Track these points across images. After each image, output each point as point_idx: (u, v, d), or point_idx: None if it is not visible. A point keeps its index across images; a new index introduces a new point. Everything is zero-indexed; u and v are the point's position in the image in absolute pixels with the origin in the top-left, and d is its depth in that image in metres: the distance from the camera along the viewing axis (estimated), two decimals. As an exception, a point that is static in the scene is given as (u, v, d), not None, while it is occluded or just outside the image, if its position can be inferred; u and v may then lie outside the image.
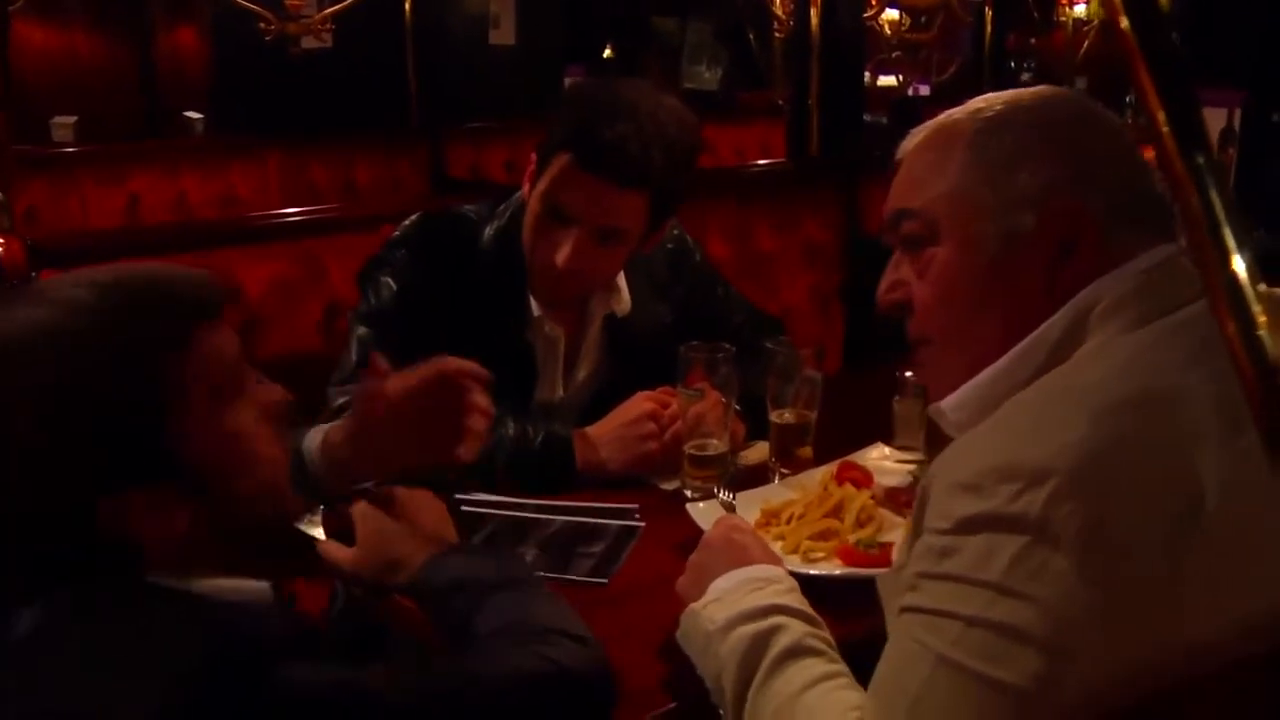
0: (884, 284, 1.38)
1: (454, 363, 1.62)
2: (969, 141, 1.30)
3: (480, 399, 1.63)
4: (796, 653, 1.28)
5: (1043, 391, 1.17)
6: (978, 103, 1.34)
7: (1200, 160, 0.77)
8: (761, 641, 1.29)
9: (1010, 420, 1.16)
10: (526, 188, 2.13)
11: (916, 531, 1.18)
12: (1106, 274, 1.22)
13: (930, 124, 1.36)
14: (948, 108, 1.40)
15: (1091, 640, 1.03)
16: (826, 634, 1.33)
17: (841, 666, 1.28)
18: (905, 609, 1.15)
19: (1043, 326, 1.23)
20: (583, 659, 1.26)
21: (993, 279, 1.27)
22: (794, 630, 1.30)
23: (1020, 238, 1.24)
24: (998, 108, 1.32)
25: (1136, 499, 1.04)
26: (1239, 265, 0.76)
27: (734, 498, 1.85)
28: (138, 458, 1.10)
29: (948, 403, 1.32)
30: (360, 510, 1.48)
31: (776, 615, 1.32)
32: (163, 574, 1.14)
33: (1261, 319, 0.76)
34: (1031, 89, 1.34)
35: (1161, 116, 0.77)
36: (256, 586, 1.23)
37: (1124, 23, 0.77)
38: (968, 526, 1.08)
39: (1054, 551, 1.03)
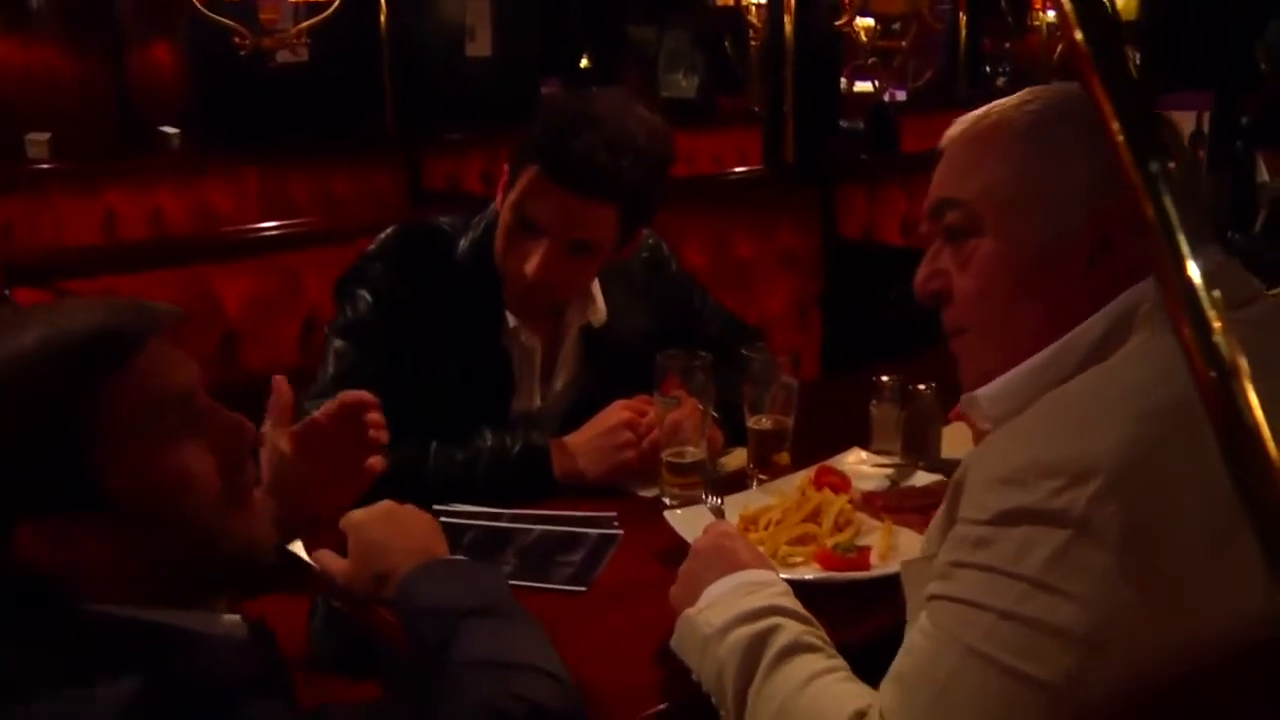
0: (922, 273, 1.37)
1: (348, 394, 1.65)
2: (1019, 134, 1.29)
3: (375, 415, 1.67)
4: (796, 649, 1.29)
5: (1085, 388, 1.17)
6: (1025, 95, 1.33)
7: (1154, 168, 0.78)
8: (760, 640, 1.30)
9: (1052, 415, 1.16)
10: (500, 198, 2.14)
11: (949, 521, 1.18)
12: (1150, 275, 1.19)
13: (976, 114, 1.35)
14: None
15: (1126, 638, 1.04)
16: (822, 633, 1.34)
17: (841, 661, 1.29)
18: (934, 597, 1.15)
19: (1086, 323, 1.22)
20: (556, 697, 1.25)
21: (1035, 273, 1.26)
22: (792, 629, 1.31)
23: (1065, 233, 1.25)
24: (1047, 100, 1.31)
25: (1179, 500, 1.05)
26: (1193, 271, 0.78)
27: (722, 503, 1.86)
28: (47, 488, 1.08)
29: (984, 393, 1.32)
30: (350, 522, 1.48)
31: (773, 616, 1.33)
32: (111, 603, 1.12)
33: (1217, 324, 0.77)
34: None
35: (1116, 126, 0.79)
36: (229, 620, 1.21)
37: (1078, 35, 0.79)
38: (1006, 519, 1.09)
39: (1096, 549, 1.04)
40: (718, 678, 1.32)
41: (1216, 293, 0.77)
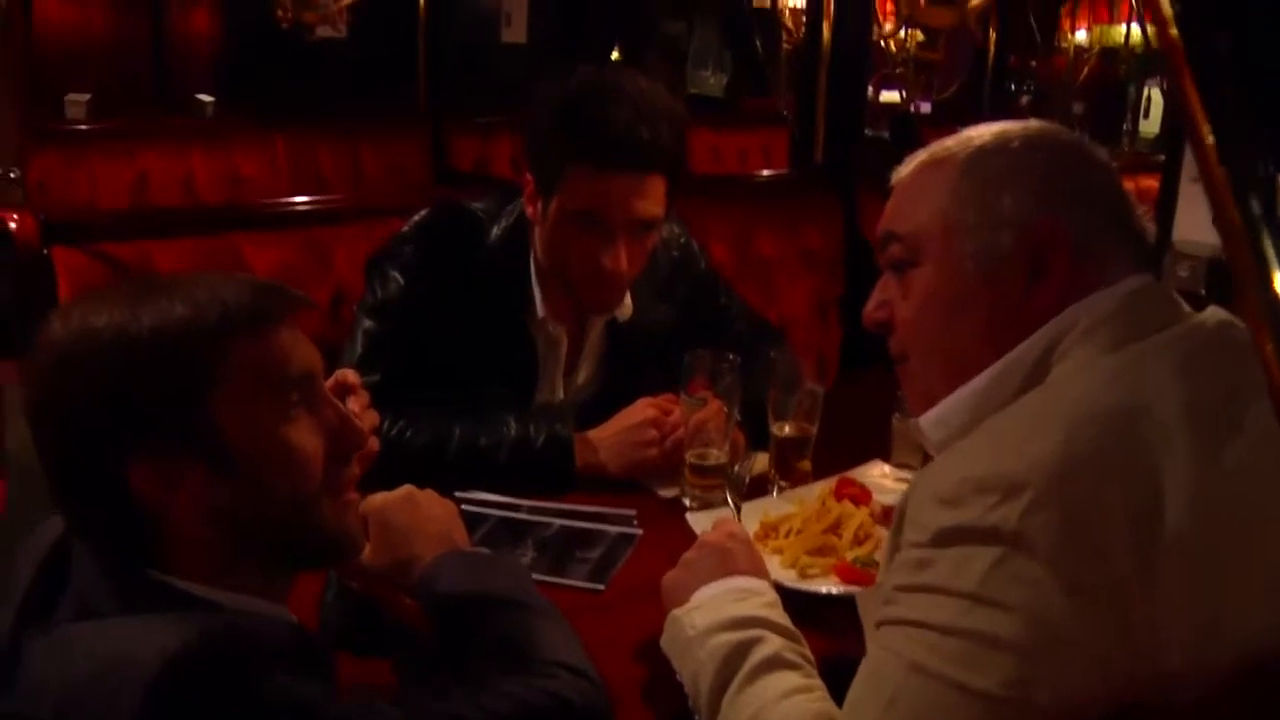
0: (870, 303, 1.42)
1: (338, 373, 1.63)
2: (958, 167, 1.33)
3: (353, 401, 1.63)
4: (775, 664, 1.31)
5: (1020, 409, 1.20)
6: (969, 132, 1.37)
7: (1243, 170, 0.75)
8: (741, 650, 1.32)
9: (988, 435, 1.19)
10: (532, 208, 2.13)
11: (894, 547, 1.20)
12: (1084, 298, 1.25)
13: (924, 151, 1.39)
14: (947, 124, 1.43)
15: (1066, 647, 1.05)
16: (806, 650, 1.36)
17: (818, 682, 1.31)
18: (882, 622, 1.17)
19: (1020, 347, 1.25)
20: (583, 694, 1.25)
21: (969, 295, 1.29)
22: (773, 643, 1.33)
23: (997, 257, 1.27)
24: (987, 137, 1.35)
25: (1106, 509, 1.06)
26: (1280, 284, 0.73)
27: (740, 506, 1.85)
28: (170, 426, 1.13)
29: (926, 419, 1.35)
30: (370, 506, 1.49)
31: (757, 628, 1.35)
32: (191, 561, 1.17)
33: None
34: (1024, 121, 1.37)
35: (1206, 129, 0.77)
36: (279, 611, 1.25)
37: (1173, 32, 0.77)
38: (944, 538, 1.11)
39: (1029, 560, 1.05)
40: (694, 679, 1.35)
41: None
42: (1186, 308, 1.28)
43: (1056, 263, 1.26)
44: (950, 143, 1.37)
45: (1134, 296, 1.24)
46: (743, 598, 1.41)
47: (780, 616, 1.39)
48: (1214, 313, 1.27)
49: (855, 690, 1.17)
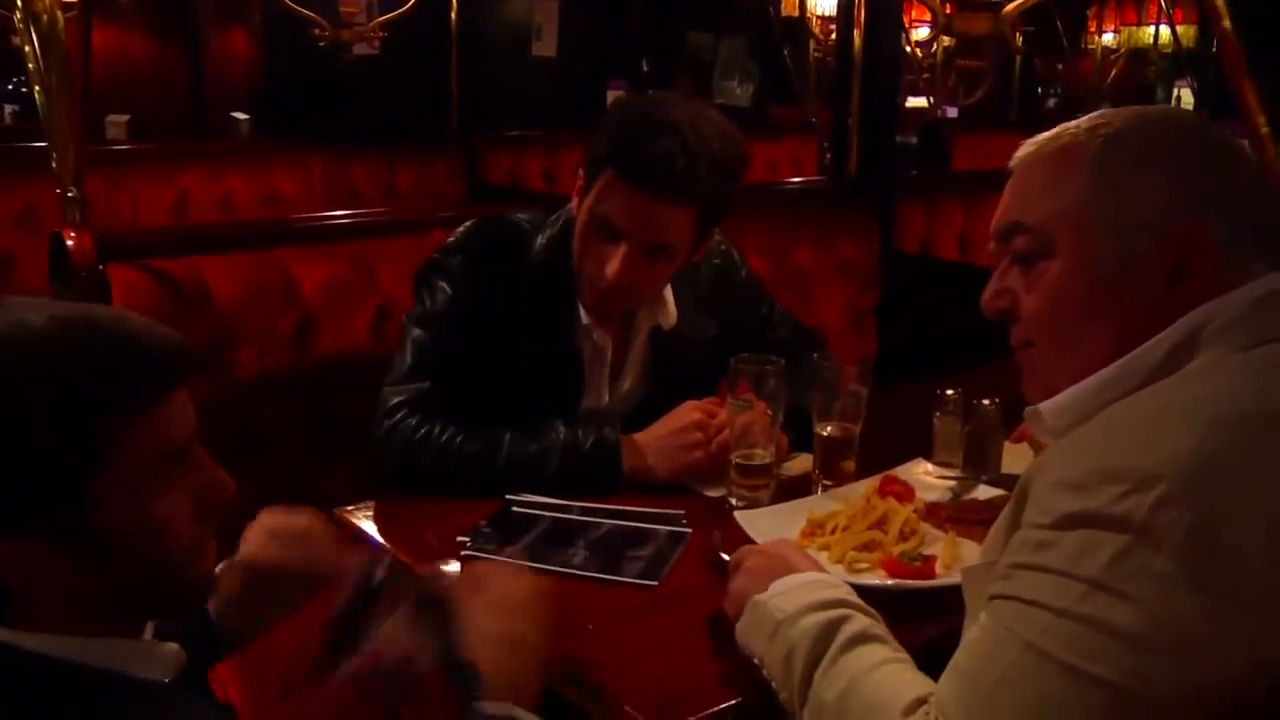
0: (989, 291, 1.39)
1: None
2: (1091, 157, 1.29)
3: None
4: (866, 638, 1.34)
5: (1150, 401, 1.18)
6: (1098, 118, 1.33)
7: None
8: (833, 626, 1.35)
9: (1117, 425, 1.17)
10: (575, 201, 2.18)
11: (1012, 526, 1.20)
12: (1220, 295, 1.22)
13: (1046, 136, 1.35)
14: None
15: (1188, 645, 1.03)
16: (886, 630, 1.38)
17: (906, 655, 1.33)
18: (995, 596, 1.16)
19: (1151, 341, 1.23)
20: None
21: (1105, 295, 1.27)
22: (861, 620, 1.37)
23: (1138, 256, 1.24)
24: (1119, 124, 1.31)
25: (1241, 511, 1.04)
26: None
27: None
28: (49, 510, 1.06)
29: (1047, 407, 1.32)
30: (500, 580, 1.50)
31: (844, 608, 1.38)
32: (31, 626, 1.09)
33: None
34: (1155, 107, 1.31)
35: (1261, 120, 0.80)
36: (166, 650, 1.20)
37: (1226, 24, 0.80)
38: (1068, 522, 1.10)
39: (1155, 554, 1.04)
40: (786, 659, 1.36)
41: None
42: None
43: (1198, 266, 1.23)
44: (1080, 126, 1.32)
45: (1269, 298, 1.21)
46: (823, 586, 1.44)
47: (860, 601, 1.42)
48: None
49: (964, 661, 1.17)
